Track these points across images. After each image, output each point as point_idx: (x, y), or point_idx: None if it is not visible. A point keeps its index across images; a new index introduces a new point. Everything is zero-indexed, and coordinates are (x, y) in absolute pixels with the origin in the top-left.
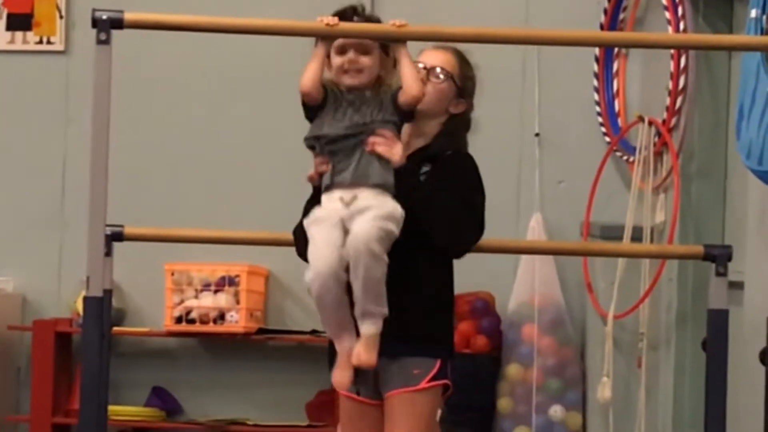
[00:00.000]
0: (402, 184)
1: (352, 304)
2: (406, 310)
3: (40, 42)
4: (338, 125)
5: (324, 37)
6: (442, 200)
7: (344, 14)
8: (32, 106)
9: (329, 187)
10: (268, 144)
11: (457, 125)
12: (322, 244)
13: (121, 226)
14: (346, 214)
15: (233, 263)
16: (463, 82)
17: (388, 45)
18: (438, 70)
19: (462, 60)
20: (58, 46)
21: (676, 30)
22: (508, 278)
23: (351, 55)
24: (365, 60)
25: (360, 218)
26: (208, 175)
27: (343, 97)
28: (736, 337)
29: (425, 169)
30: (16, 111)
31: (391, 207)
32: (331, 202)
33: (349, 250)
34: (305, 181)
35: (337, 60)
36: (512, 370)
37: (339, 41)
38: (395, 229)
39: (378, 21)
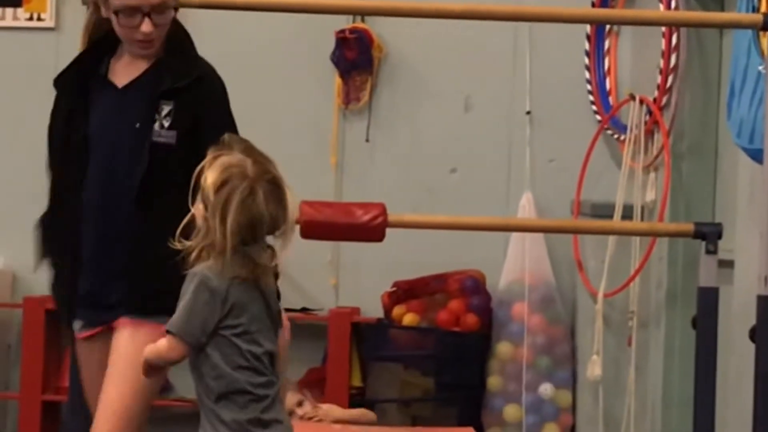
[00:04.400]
0: None
1: None
2: None
3: (31, 18)
4: None
5: None
6: None
7: None
8: (22, 82)
9: None
10: (261, 118)
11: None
12: None
13: None
14: None
15: None
16: None
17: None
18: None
19: None
20: (49, 23)
21: (668, 7)
22: (499, 256)
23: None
24: None
25: None
26: None
27: None
28: (726, 315)
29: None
30: (5, 88)
31: None
32: None
33: None
34: (301, 156)
35: None
36: (502, 348)
37: None
38: None
39: None
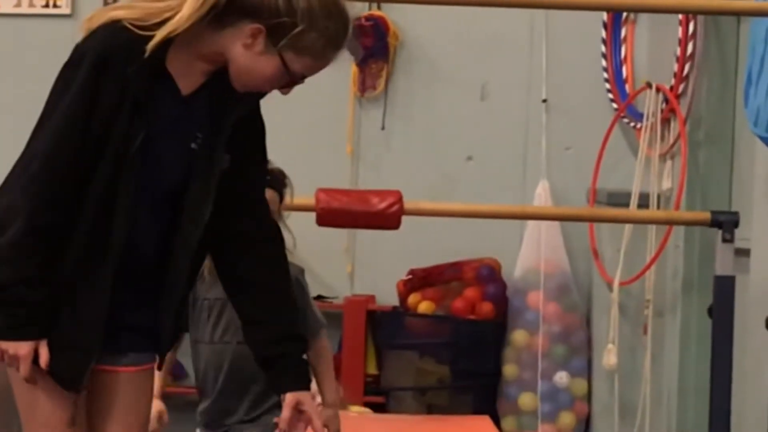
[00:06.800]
0: None
1: None
2: None
3: (47, 5)
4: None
5: None
6: None
7: None
8: (38, 69)
9: None
10: (276, 107)
11: None
12: None
13: None
14: None
15: None
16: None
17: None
18: None
19: None
20: (65, 10)
21: None
22: (514, 245)
23: None
24: None
25: None
26: None
27: None
28: (742, 304)
29: None
30: (21, 75)
31: None
32: None
33: None
34: (317, 144)
35: None
36: (518, 336)
37: None
38: None
39: None
